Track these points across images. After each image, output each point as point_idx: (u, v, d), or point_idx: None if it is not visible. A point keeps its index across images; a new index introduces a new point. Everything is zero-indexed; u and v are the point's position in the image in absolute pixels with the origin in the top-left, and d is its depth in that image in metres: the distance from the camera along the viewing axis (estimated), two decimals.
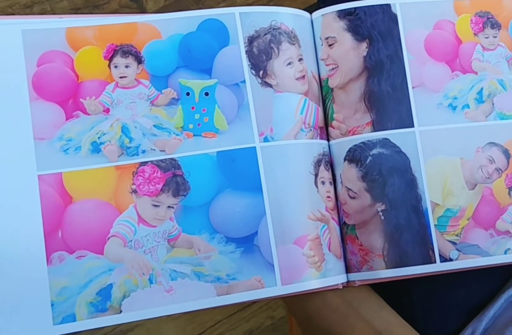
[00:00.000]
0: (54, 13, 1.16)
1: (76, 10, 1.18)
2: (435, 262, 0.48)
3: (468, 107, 0.51)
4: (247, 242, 0.46)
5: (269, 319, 1.13)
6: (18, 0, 1.16)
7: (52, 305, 0.43)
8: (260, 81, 0.48)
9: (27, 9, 1.16)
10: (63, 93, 0.46)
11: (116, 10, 1.19)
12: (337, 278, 0.48)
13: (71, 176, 0.45)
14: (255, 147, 0.47)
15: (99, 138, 0.46)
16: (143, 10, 1.20)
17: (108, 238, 0.44)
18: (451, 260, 0.48)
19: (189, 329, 1.11)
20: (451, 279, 0.51)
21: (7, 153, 0.44)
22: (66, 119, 0.45)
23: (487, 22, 0.52)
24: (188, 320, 1.11)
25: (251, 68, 0.48)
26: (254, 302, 1.12)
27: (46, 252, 0.43)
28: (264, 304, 1.13)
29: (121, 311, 0.44)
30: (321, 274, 0.47)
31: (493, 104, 0.51)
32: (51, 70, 0.45)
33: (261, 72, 0.48)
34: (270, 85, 0.48)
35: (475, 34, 0.52)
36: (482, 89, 0.51)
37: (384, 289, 0.52)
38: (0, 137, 0.44)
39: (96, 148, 0.45)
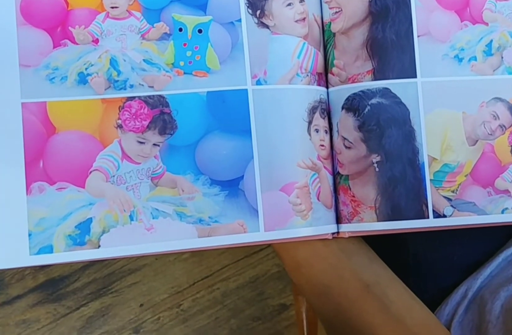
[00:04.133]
0: None
1: None
2: (428, 217, 0.46)
3: (475, 60, 0.48)
4: (232, 186, 0.45)
5: (275, 267, 1.13)
6: None
7: (29, 235, 0.43)
8: (256, 21, 0.47)
9: None
10: (52, 20, 0.44)
11: None
12: (326, 228, 0.47)
13: (55, 106, 0.44)
14: (246, 90, 0.46)
15: (86, 69, 0.44)
16: None
17: (91, 172, 0.44)
18: (444, 216, 0.47)
19: (196, 272, 1.13)
20: (448, 236, 0.50)
21: None
22: (54, 47, 0.44)
23: None
24: (195, 263, 1.12)
25: (248, 6, 0.46)
26: (261, 249, 1.13)
27: (26, 182, 0.43)
28: (272, 252, 1.13)
29: (99, 246, 0.43)
30: (307, 222, 0.46)
31: (502, 57, 0.49)
32: None
33: (258, 12, 0.47)
34: (267, 26, 0.47)
35: None
36: (491, 41, 0.49)
37: (378, 242, 0.50)
38: None
39: (82, 79, 0.44)
